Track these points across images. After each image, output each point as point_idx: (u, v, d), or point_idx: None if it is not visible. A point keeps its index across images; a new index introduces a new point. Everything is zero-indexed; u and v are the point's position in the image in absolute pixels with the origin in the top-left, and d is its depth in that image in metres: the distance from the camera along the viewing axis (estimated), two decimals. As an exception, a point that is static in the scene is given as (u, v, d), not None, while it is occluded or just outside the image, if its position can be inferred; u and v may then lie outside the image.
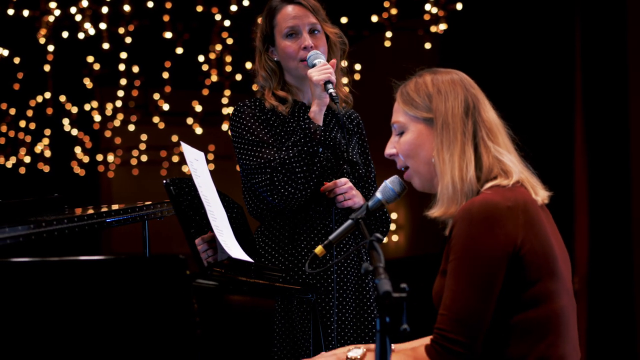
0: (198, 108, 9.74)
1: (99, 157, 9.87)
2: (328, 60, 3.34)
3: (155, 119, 9.73)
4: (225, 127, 9.55)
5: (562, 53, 7.56)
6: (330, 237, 2.54)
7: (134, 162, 10.35)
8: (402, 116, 2.48)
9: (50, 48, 8.15)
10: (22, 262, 2.13)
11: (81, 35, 7.84)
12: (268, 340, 2.87)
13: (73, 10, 7.65)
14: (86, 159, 9.65)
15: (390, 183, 2.53)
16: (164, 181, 2.65)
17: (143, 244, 3.10)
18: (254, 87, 9.58)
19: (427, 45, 8.15)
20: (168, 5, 8.07)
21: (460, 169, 2.36)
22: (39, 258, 2.19)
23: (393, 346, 2.32)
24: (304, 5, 3.38)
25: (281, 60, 3.40)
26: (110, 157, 9.98)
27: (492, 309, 2.25)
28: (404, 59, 8.63)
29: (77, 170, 9.67)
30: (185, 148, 2.83)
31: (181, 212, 2.68)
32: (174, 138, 10.27)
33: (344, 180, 3.28)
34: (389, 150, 2.52)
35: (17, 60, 8.52)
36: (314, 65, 3.27)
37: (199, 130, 9.79)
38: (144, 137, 10.21)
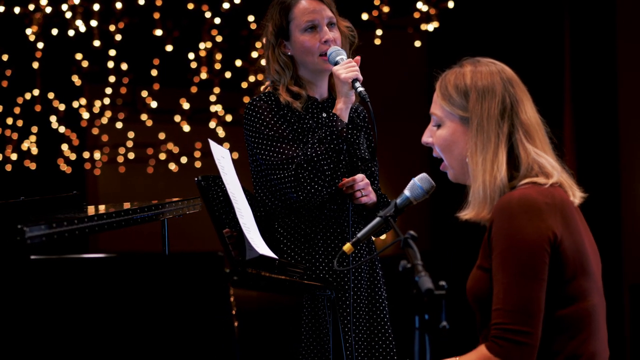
0: (186, 106, 9.71)
1: (86, 155, 9.80)
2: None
3: (143, 117, 9.68)
4: (212, 124, 9.51)
5: (551, 53, 7.61)
6: (359, 235, 2.55)
7: (120, 159, 10.29)
8: (439, 109, 2.47)
9: (40, 45, 8.10)
10: (75, 259, 2.14)
11: (71, 33, 7.80)
12: (295, 336, 2.88)
13: (64, 7, 7.61)
14: (73, 157, 9.57)
15: (419, 181, 2.53)
16: (196, 178, 2.66)
17: (162, 243, 3.11)
18: (244, 85, 9.42)
19: (417, 44, 8.18)
20: (159, 2, 8.04)
21: (492, 172, 2.36)
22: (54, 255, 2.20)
23: (457, 358, 2.31)
24: None
25: (297, 55, 3.36)
26: (97, 155, 9.91)
27: (544, 296, 2.25)
28: (393, 57, 8.69)
29: (64, 167, 9.61)
30: (213, 146, 2.83)
31: (212, 208, 2.69)
32: (162, 136, 10.23)
33: (361, 176, 3.28)
34: (426, 138, 2.51)
35: (5, 57, 8.47)
36: (336, 63, 3.27)
37: (186, 128, 9.76)
38: (131, 134, 10.16)
